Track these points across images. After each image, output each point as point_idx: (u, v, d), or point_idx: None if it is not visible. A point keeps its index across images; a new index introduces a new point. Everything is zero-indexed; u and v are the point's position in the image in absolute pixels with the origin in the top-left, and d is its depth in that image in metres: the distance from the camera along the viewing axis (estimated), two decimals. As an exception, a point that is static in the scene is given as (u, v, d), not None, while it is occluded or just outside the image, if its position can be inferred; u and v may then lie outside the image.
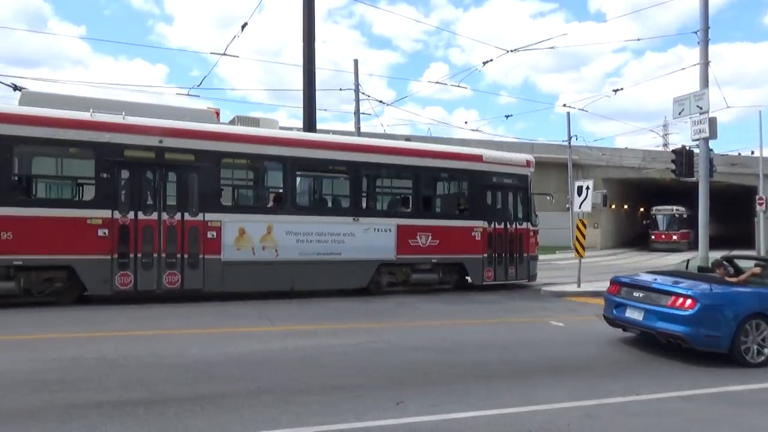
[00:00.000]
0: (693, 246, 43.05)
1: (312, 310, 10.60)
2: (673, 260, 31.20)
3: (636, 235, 49.59)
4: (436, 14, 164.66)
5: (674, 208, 41.95)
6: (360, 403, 5.36)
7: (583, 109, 23.09)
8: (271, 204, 12.10)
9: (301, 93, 17.14)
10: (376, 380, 6.13)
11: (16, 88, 12.60)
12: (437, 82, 20.68)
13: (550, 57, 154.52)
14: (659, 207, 42.81)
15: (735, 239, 45.08)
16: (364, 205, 12.91)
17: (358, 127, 24.90)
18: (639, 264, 27.72)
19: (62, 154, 10.96)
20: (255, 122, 12.65)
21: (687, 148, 15.30)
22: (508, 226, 14.27)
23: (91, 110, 10.44)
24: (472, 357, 7.26)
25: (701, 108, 14.28)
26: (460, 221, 13.57)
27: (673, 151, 15.26)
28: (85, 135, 10.24)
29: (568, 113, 32.04)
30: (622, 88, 21.08)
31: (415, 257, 12.94)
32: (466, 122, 77.34)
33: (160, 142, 10.74)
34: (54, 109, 10.24)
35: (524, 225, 14.64)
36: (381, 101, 24.71)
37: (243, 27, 13.34)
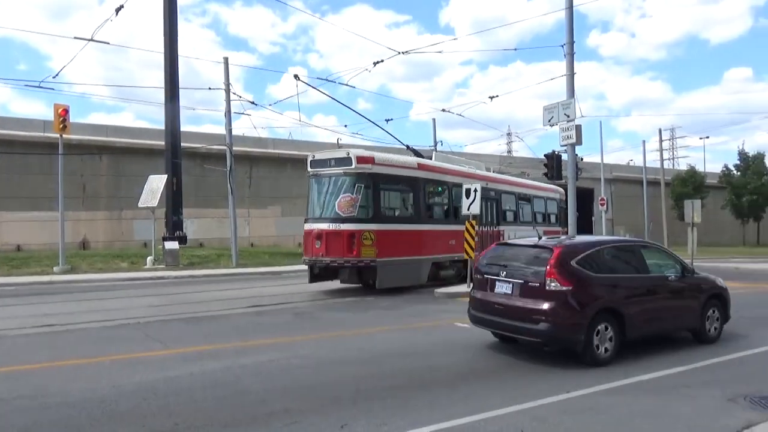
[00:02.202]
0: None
1: (205, 328, 9.62)
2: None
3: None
4: (294, 18, 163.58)
5: None
6: (299, 430, 4.82)
7: (460, 115, 24.13)
8: (512, 219, 19.80)
9: (151, 91, 15.79)
10: (307, 402, 5.59)
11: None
12: (326, 80, 20.03)
13: (404, 66, 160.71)
14: None
15: (576, 236, 49.99)
16: (534, 220, 21.28)
17: (229, 129, 23.61)
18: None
19: (450, 191, 16.43)
20: (525, 175, 21.99)
21: (556, 152, 16.50)
22: (563, 228, 22.03)
23: (466, 166, 18.56)
24: (398, 367, 6.95)
25: (569, 116, 15.41)
26: (556, 227, 22.15)
27: (545, 155, 16.35)
28: (464, 180, 15.96)
29: (434, 119, 33.24)
30: (497, 95, 22.33)
31: None
32: (345, 125, 76.10)
33: (486, 184, 17.25)
34: (454, 165, 17.62)
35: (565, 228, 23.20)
36: (253, 102, 23.68)
37: (117, 11, 11.78)
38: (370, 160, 13.77)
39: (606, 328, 7.17)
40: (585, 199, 47.45)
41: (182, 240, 23.97)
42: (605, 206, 33.69)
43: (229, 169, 23.51)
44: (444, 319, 10.39)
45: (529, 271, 7.38)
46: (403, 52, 17.71)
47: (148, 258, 21.44)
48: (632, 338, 7.48)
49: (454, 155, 21.77)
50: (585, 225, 49.94)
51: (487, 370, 6.85)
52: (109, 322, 10.01)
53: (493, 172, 22.09)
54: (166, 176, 22.96)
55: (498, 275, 7.63)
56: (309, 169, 14.57)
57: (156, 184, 22.32)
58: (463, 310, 11.52)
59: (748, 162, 47.03)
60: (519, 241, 8.92)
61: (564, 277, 7.03)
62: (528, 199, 21.35)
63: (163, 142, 25.94)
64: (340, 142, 21.31)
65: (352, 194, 13.50)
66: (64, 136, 20.02)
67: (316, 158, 14.54)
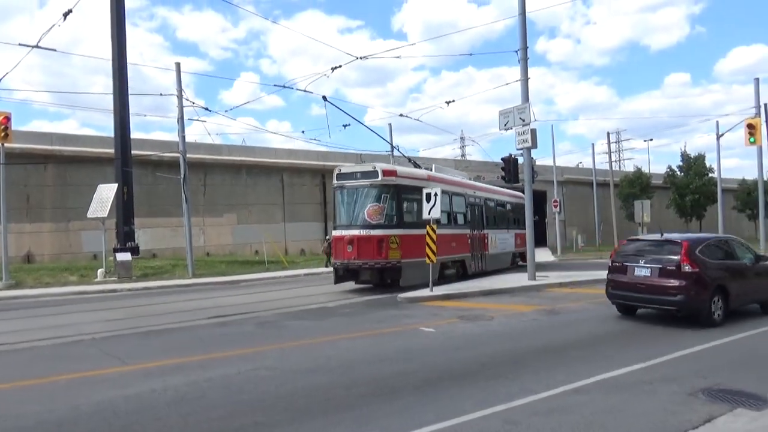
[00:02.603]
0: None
1: (165, 342, 9.32)
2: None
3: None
4: (245, 23, 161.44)
5: None
6: (272, 444, 4.71)
7: (418, 119, 24.43)
8: (493, 223, 21.80)
9: (97, 98, 15.30)
10: (277, 414, 5.48)
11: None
12: (284, 86, 19.81)
13: (357, 72, 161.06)
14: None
15: (531, 238, 51.00)
16: (508, 223, 23.74)
17: (182, 136, 23.10)
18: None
19: (450, 199, 18.05)
20: (481, 179, 24.60)
21: (512, 156, 16.82)
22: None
23: (460, 177, 20.46)
24: (365, 374, 6.90)
25: (524, 120, 15.76)
26: (523, 230, 21.50)
27: (502, 159, 16.66)
28: (460, 189, 19.04)
29: (390, 124, 33.34)
30: (453, 100, 22.63)
31: (519, 249, 23.88)
32: (303, 131, 74.50)
33: (474, 192, 20.18)
34: (450, 176, 19.26)
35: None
36: (207, 108, 23.17)
37: (65, 15, 11.22)
38: (394, 173, 15.59)
39: (719, 300, 9.73)
40: (539, 201, 48.59)
41: (134, 251, 23.21)
42: (558, 208, 34.49)
43: (183, 176, 22.96)
44: (408, 324, 10.40)
45: (664, 258, 9.84)
46: (360, 57, 17.68)
47: (99, 270, 20.68)
48: (733, 308, 10.12)
49: (445, 166, 22.38)
50: (536, 226, 51.26)
51: (456, 374, 6.87)
52: (62, 339, 9.57)
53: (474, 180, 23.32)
54: (116, 185, 22.24)
55: (637, 262, 10.08)
56: (335, 181, 16.00)
57: (106, 193, 21.59)
58: (426, 314, 11.67)
59: (690, 163, 49.02)
60: (645, 237, 11.33)
61: (694, 262, 9.55)
62: (503, 204, 23.56)
63: (112, 150, 25.10)
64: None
65: (380, 203, 15.31)
66: (5, 144, 19.13)
67: (342, 171, 16.01)
